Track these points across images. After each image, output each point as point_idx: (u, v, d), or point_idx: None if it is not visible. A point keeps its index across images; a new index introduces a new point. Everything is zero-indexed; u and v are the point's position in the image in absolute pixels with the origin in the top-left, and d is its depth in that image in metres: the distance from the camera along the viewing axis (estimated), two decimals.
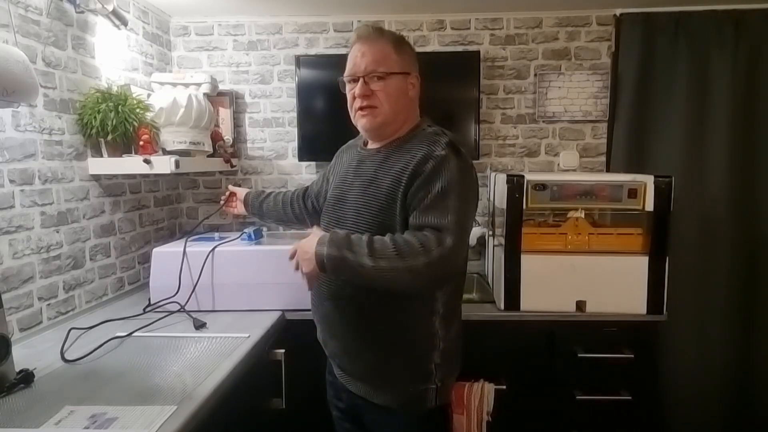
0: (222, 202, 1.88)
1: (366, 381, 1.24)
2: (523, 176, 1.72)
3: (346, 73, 1.25)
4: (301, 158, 2.33)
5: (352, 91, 1.23)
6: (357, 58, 1.22)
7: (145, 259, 2.05)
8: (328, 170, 1.49)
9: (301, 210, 1.64)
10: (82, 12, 1.68)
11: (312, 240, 1.11)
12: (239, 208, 1.82)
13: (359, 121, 1.24)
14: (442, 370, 1.22)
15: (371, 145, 1.30)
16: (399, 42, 1.25)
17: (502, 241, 1.77)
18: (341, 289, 1.22)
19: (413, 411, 1.22)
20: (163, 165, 1.72)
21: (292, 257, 1.17)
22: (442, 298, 1.21)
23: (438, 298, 1.20)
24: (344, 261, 1.06)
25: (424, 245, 1.04)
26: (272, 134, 2.39)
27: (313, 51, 2.33)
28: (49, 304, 1.56)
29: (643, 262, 1.72)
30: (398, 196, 1.16)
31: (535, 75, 2.30)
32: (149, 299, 1.73)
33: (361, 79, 1.20)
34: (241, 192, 1.82)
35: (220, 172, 2.41)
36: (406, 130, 1.25)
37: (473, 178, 1.21)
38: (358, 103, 1.22)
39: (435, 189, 1.11)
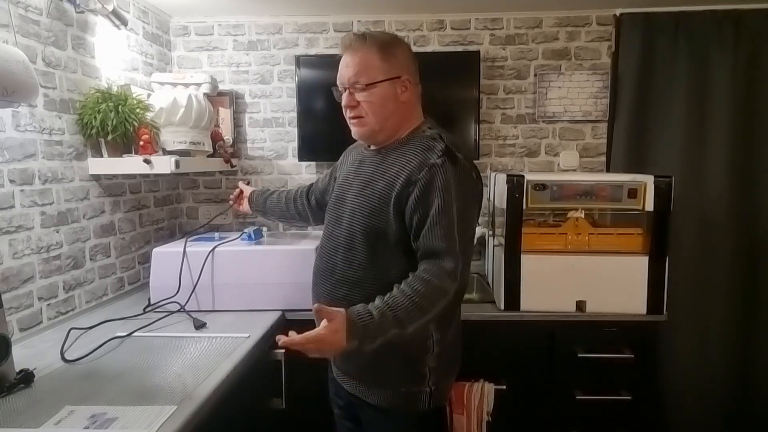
0: (232, 200, 1.87)
1: (359, 380, 1.25)
2: (523, 176, 1.72)
3: (337, 82, 1.26)
4: (301, 158, 2.33)
5: (340, 100, 1.25)
6: (342, 69, 1.23)
7: (145, 259, 2.05)
8: (335, 168, 1.50)
9: (304, 206, 1.65)
10: (82, 12, 1.67)
11: (336, 336, 1.00)
12: (244, 207, 1.83)
13: (352, 129, 1.27)
14: (436, 373, 1.22)
15: (372, 147, 1.30)
16: (386, 46, 1.21)
17: (502, 241, 1.77)
18: (335, 288, 1.23)
19: (406, 412, 1.22)
20: (163, 165, 1.72)
21: (307, 344, 1.03)
22: None
23: None
24: (379, 344, 1.04)
25: (439, 289, 1.07)
26: (272, 134, 2.39)
27: (313, 51, 2.33)
28: (49, 304, 1.56)
29: (643, 262, 1.72)
30: (391, 200, 1.16)
31: (535, 75, 2.30)
32: (149, 299, 1.73)
33: (346, 90, 1.22)
34: (247, 190, 1.82)
35: (220, 172, 2.41)
36: (406, 133, 1.24)
37: (472, 182, 1.20)
38: (347, 113, 1.25)
39: (434, 206, 1.10)
